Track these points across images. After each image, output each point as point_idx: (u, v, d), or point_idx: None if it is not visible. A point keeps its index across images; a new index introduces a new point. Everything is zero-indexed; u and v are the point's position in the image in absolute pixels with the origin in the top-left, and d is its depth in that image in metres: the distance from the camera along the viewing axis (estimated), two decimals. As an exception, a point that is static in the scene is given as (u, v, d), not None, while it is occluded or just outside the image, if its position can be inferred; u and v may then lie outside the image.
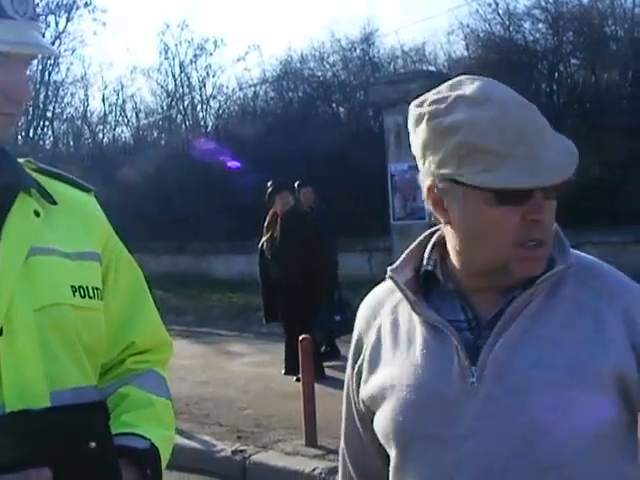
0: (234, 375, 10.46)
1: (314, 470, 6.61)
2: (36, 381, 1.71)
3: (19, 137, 27.58)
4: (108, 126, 29.96)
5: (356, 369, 1.97)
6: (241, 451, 7.16)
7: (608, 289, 1.76)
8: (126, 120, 29.69)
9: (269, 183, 10.34)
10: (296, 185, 11.18)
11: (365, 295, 2.05)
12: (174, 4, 52.48)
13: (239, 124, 22.86)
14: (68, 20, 28.44)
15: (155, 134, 27.32)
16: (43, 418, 1.61)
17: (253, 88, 25.05)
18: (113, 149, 26.80)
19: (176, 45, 28.07)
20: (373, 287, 2.04)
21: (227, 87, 28.01)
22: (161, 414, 1.96)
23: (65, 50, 28.52)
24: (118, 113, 29.69)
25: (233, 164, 18.66)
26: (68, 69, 29.85)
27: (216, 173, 19.51)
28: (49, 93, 28.84)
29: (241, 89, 25.98)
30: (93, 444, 1.59)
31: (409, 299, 1.84)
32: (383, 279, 1.94)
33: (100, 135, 29.63)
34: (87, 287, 1.85)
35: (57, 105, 29.63)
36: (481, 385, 1.71)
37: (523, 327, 1.72)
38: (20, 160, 1.94)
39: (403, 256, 1.91)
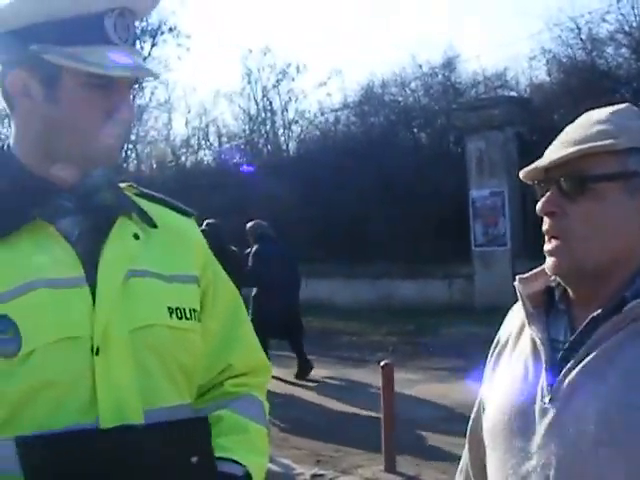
0: (313, 398, 10.47)
1: (393, 497, 6.58)
2: (130, 400, 1.74)
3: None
4: (191, 149, 30.40)
5: (487, 365, 2.05)
6: (320, 475, 7.16)
7: None
8: (209, 144, 30.11)
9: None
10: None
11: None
12: (257, 29, 53.08)
13: (320, 149, 22.96)
14: (153, 45, 28.98)
15: (237, 158, 27.54)
16: (146, 433, 1.65)
17: (334, 113, 25.17)
18: (196, 173, 27.06)
19: (259, 70, 28.45)
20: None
21: (309, 112, 28.09)
22: (255, 441, 1.97)
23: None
24: (201, 137, 30.12)
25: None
26: (152, 93, 30.31)
27: (295, 198, 19.61)
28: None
29: (323, 114, 26.13)
30: (195, 459, 1.61)
31: (526, 311, 1.90)
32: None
33: (183, 158, 30.05)
34: (184, 309, 1.89)
35: (141, 128, 30.16)
36: (552, 408, 1.73)
37: (606, 357, 1.70)
38: (122, 185, 2.00)
39: (539, 268, 1.93)
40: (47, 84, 1.77)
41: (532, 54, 20.95)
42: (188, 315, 1.90)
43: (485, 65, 31.46)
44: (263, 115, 28.29)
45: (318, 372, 12.46)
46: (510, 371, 1.90)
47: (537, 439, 1.73)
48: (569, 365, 1.74)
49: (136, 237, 1.88)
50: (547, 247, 1.81)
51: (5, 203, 1.78)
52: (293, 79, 28.26)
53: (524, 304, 1.91)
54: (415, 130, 22.25)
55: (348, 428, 8.80)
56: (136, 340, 1.78)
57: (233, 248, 11.11)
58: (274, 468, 7.41)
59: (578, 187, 1.75)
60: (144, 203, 1.99)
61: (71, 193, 1.84)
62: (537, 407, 1.76)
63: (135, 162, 30.75)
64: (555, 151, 1.81)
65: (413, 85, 23.20)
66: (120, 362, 1.75)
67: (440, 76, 22.88)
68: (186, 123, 30.71)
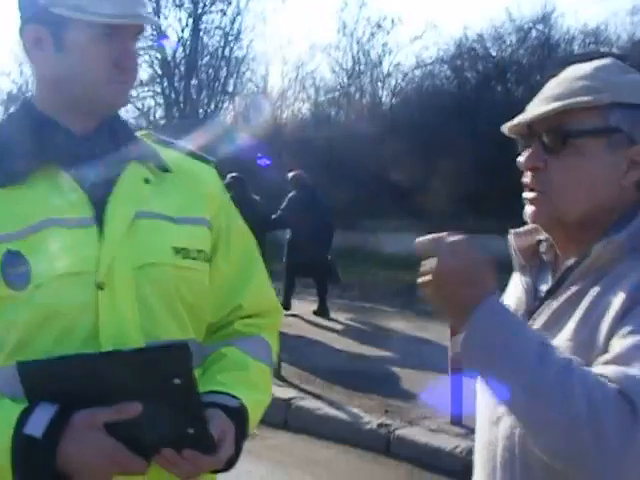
0: (390, 350, 10.57)
1: (455, 448, 6.65)
2: (132, 333, 1.88)
3: (201, 111, 28.43)
4: (287, 102, 30.53)
5: None
6: (386, 425, 7.26)
7: None
8: (305, 96, 30.18)
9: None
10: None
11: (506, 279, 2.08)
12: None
13: (415, 103, 22.88)
14: (249, -2, 29.10)
15: (333, 112, 27.59)
16: (131, 357, 1.77)
17: (429, 67, 24.98)
18: (292, 125, 27.21)
19: (355, 22, 28.37)
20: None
21: (404, 65, 27.94)
22: (255, 378, 2.08)
23: (246, 27, 29.17)
24: (297, 89, 30.20)
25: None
26: (249, 46, 30.46)
27: (386, 154, 19.60)
28: (230, 69, 29.54)
29: (417, 67, 25.96)
30: (177, 381, 1.71)
31: (518, 263, 1.98)
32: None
33: (279, 111, 30.19)
34: (190, 249, 2.00)
35: (238, 81, 30.36)
36: None
37: (570, 303, 1.76)
38: (142, 132, 2.13)
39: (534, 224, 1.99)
40: (56, 36, 1.90)
41: (634, 9, 20.36)
42: (194, 255, 2.01)
43: (583, 20, 30.67)
44: (358, 68, 28.25)
45: (400, 325, 12.55)
46: None
47: None
48: (540, 312, 1.83)
49: (146, 181, 2.00)
50: (527, 195, 1.86)
51: (23, 148, 1.91)
52: (388, 32, 28.15)
53: (515, 256, 1.98)
54: (509, 85, 21.97)
55: (419, 380, 8.88)
56: (140, 277, 1.91)
57: (255, 197, 12.28)
58: (342, 416, 7.57)
59: (560, 142, 1.79)
60: (161, 149, 2.11)
61: (86, 139, 1.97)
62: None
63: (232, 114, 30.99)
64: (538, 106, 1.84)
65: (508, 40, 22.88)
66: (123, 297, 1.87)
67: (535, 31, 22.51)
68: (282, 76, 30.83)
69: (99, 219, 1.90)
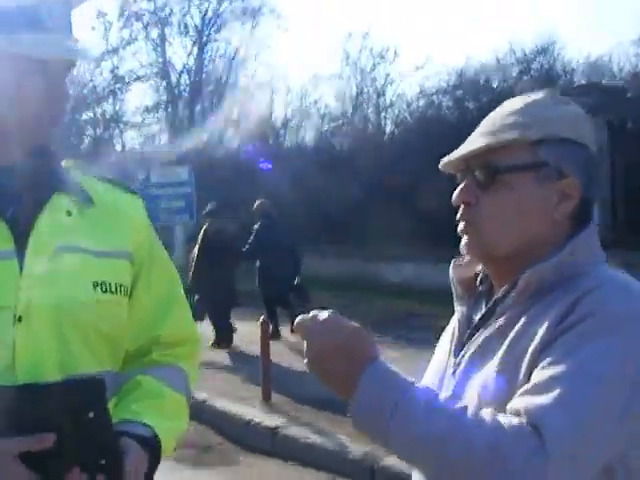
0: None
1: (438, 478, 6.61)
2: (48, 367, 1.89)
3: (205, 137, 28.47)
4: (292, 130, 30.63)
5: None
6: (372, 454, 7.24)
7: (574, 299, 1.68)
8: (310, 124, 30.29)
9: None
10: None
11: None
12: (356, 12, 52.78)
13: (416, 132, 22.92)
14: (253, 26, 29.28)
15: (337, 139, 27.67)
16: (47, 390, 1.79)
17: (431, 97, 25.05)
18: (296, 152, 27.26)
19: (359, 51, 28.53)
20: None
21: (406, 95, 28.13)
22: (169, 406, 2.10)
23: (250, 55, 29.34)
24: (302, 118, 30.32)
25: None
26: (253, 74, 30.60)
27: (394, 180, 19.62)
28: (235, 97, 29.64)
29: (419, 97, 26.05)
30: (91, 414, 1.75)
31: (455, 293, 1.99)
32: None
33: (282, 139, 30.28)
34: (110, 283, 2.01)
35: (243, 109, 30.41)
36: (453, 379, 1.86)
37: (498, 333, 1.78)
38: (68, 163, 2.12)
39: None
40: None
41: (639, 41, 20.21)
42: (113, 289, 2.02)
43: (587, 51, 30.72)
44: (361, 98, 28.37)
45: (390, 353, 12.47)
46: (440, 346, 2.03)
47: None
48: (470, 342, 1.85)
49: (69, 214, 2.00)
50: (460, 227, 1.88)
51: None
52: (390, 63, 28.35)
53: (453, 287, 1.99)
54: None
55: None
56: (59, 311, 1.91)
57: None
58: (328, 444, 7.54)
59: (490, 177, 1.80)
60: (87, 181, 2.11)
61: (10, 170, 1.95)
62: (446, 378, 1.89)
63: (238, 142, 31.03)
64: (471, 142, 1.86)
65: (509, 71, 22.92)
66: (41, 331, 1.88)
67: (536, 62, 22.53)
68: (286, 104, 30.94)
69: (20, 252, 1.90)
